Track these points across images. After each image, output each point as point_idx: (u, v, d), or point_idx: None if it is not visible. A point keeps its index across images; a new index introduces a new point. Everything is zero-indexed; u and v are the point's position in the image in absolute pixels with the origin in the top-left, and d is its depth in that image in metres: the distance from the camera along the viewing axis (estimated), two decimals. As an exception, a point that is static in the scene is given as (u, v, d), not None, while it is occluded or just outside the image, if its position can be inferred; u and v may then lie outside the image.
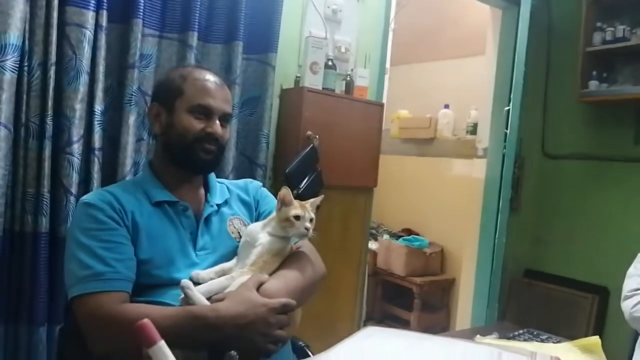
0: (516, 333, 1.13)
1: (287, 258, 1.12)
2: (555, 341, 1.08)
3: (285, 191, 1.09)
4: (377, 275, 3.56)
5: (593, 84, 2.50)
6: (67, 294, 1.02)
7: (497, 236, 2.76)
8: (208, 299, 0.97)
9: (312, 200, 1.12)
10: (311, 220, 1.08)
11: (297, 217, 1.06)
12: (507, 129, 2.72)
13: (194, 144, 1.12)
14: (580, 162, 2.73)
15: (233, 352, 0.47)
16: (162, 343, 0.45)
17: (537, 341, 1.07)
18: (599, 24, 2.50)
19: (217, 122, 1.14)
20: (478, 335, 0.97)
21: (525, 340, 1.08)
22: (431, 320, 3.34)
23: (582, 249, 2.68)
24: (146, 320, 0.45)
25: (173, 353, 0.66)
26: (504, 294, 2.84)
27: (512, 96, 2.69)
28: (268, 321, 0.93)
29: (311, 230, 1.08)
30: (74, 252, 1.02)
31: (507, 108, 2.70)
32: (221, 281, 1.03)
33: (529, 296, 2.80)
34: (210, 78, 1.16)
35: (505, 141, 2.75)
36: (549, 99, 2.84)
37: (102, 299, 0.97)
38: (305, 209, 1.08)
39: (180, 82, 1.14)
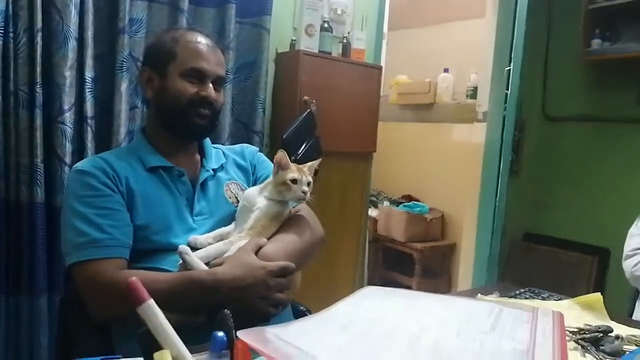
0: (517, 292, 1.12)
1: (285, 222, 1.10)
2: (556, 299, 1.07)
3: (281, 154, 1.07)
4: (377, 242, 3.57)
5: (596, 43, 2.44)
6: (65, 262, 1.02)
7: (497, 200, 2.75)
8: (207, 264, 0.96)
9: (309, 163, 1.10)
10: (308, 183, 1.06)
11: (294, 181, 1.04)
12: (507, 90, 2.67)
13: (188, 108, 1.09)
14: (581, 123, 2.70)
15: (226, 311, 0.46)
16: (152, 302, 0.44)
17: (538, 299, 1.06)
18: (602, -20, 2.42)
19: (211, 85, 1.11)
20: (479, 294, 0.96)
21: (526, 298, 1.07)
22: (432, 285, 3.36)
23: (583, 211, 2.68)
24: (134, 279, 0.44)
25: (173, 317, 0.65)
26: (503, 258, 2.85)
27: (512, 57, 2.63)
28: (267, 284, 0.92)
29: (309, 194, 1.06)
30: (69, 220, 1.01)
31: (508, 69, 2.65)
32: (219, 246, 1.02)
33: (529, 259, 2.82)
34: (203, 40, 1.12)
35: (505, 104, 2.70)
36: (550, 60, 2.78)
37: (100, 266, 0.96)
38: (302, 173, 1.06)
39: (172, 45, 1.10)
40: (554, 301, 1.05)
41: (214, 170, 1.18)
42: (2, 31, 1.37)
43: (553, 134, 2.82)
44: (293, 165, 1.07)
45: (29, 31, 1.42)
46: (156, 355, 0.41)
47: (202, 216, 1.12)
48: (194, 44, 1.11)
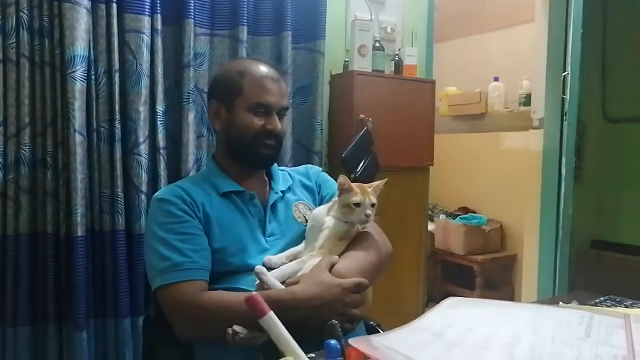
0: (597, 300, 1.10)
1: (354, 239, 1.13)
2: (640, 306, 1.04)
3: (342, 179, 1.10)
4: (435, 256, 3.52)
5: (656, 40, 2.36)
6: (150, 286, 1.08)
7: (562, 207, 2.66)
8: (282, 282, 1.00)
9: (375, 183, 1.12)
10: (372, 205, 1.08)
11: (357, 204, 1.07)
12: (564, 95, 2.61)
13: (255, 140, 1.15)
14: (645, 123, 2.59)
15: (334, 321, 0.49)
16: (272, 314, 0.48)
17: (621, 307, 1.04)
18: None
19: (276, 117, 1.16)
20: (560, 303, 0.95)
21: (608, 306, 1.05)
22: (495, 297, 3.26)
23: (653, 215, 2.56)
24: (255, 294, 0.48)
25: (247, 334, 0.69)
26: (571, 267, 2.75)
27: (570, 60, 2.57)
28: (343, 301, 0.95)
29: (372, 216, 1.08)
30: (152, 246, 1.07)
31: (565, 74, 2.59)
32: (292, 265, 1.06)
33: (599, 268, 2.70)
34: (268, 73, 1.17)
35: (562, 109, 2.64)
36: (607, 61, 2.70)
37: (183, 288, 1.01)
38: (366, 195, 1.08)
39: (238, 79, 1.16)
40: (639, 309, 1.02)
41: (282, 192, 1.23)
42: (85, 75, 1.49)
43: (616, 136, 2.71)
44: (357, 187, 1.09)
45: (108, 72, 1.55)
46: (281, 362, 0.45)
47: (274, 237, 1.16)
48: (259, 79, 1.16)
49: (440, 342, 0.61)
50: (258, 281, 0.99)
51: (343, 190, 1.09)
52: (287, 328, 0.90)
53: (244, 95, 1.15)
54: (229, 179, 1.19)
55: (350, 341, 0.51)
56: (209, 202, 1.14)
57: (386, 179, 1.15)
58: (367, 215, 1.07)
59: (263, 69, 1.18)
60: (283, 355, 0.46)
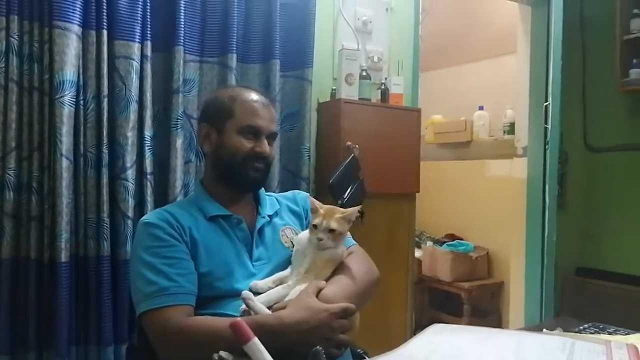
0: (581, 327, 1.11)
1: (341, 264, 1.14)
2: (623, 333, 1.06)
3: (311, 200, 1.12)
4: (423, 283, 3.52)
5: (634, 72, 2.44)
6: (134, 312, 1.07)
7: (546, 235, 2.70)
8: (269, 308, 1.00)
9: (349, 210, 1.10)
10: (330, 230, 1.06)
11: (315, 226, 1.07)
12: (546, 124, 2.67)
13: (244, 162, 1.17)
14: (625, 153, 2.66)
15: (319, 348, 0.50)
16: (256, 340, 0.48)
17: (604, 334, 1.05)
18: (635, 11, 2.45)
19: (265, 141, 1.19)
20: (544, 329, 0.96)
21: (591, 333, 1.06)
22: (482, 324, 3.27)
23: (636, 242, 2.59)
24: (239, 320, 0.49)
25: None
26: (557, 294, 2.77)
27: (551, 90, 2.65)
28: (330, 326, 0.95)
29: (327, 241, 1.06)
30: (138, 270, 1.07)
31: (546, 104, 2.66)
32: (278, 290, 1.06)
33: (584, 295, 2.72)
34: (258, 99, 1.21)
35: (545, 138, 2.70)
36: (587, 92, 2.78)
37: (169, 313, 1.01)
38: (327, 218, 1.07)
39: (230, 103, 1.19)
40: (621, 335, 1.04)
41: (269, 216, 1.24)
42: (73, 100, 1.49)
43: (597, 164, 2.78)
44: (323, 210, 1.09)
45: (96, 98, 1.55)
46: (265, 388, 0.45)
47: (261, 261, 1.16)
48: (250, 103, 1.19)
49: (424, 369, 0.61)
50: (244, 306, 0.99)
51: (312, 211, 1.11)
52: (272, 354, 0.90)
53: (234, 118, 1.17)
54: (217, 203, 1.20)
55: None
56: (195, 226, 1.14)
57: (359, 207, 1.14)
58: (319, 239, 1.06)
59: (254, 95, 1.22)
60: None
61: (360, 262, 1.18)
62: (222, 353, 0.83)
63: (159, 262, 1.06)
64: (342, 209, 1.12)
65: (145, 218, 1.16)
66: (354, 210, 1.10)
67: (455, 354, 0.65)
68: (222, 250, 1.13)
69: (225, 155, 1.18)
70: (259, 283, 1.09)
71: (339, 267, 1.12)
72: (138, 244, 1.12)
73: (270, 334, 0.93)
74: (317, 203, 1.11)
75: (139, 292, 1.05)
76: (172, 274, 1.04)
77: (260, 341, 0.93)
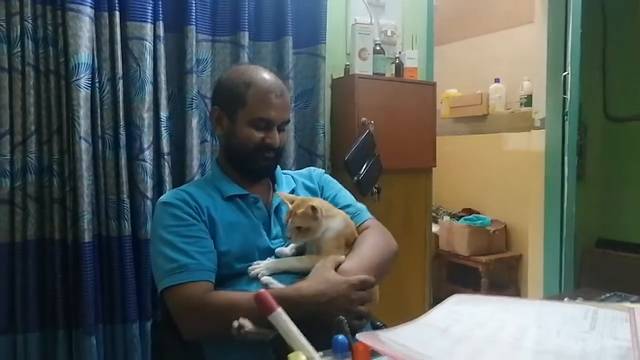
0: (602, 297, 1.10)
1: (359, 238, 1.14)
2: (646, 302, 1.05)
3: (280, 196, 1.14)
4: (440, 258, 3.53)
5: (656, 38, 2.37)
6: (157, 288, 1.09)
7: (565, 207, 2.66)
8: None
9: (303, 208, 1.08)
10: (297, 227, 1.06)
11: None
12: (565, 95, 2.61)
13: (254, 153, 1.16)
14: (647, 122, 2.60)
15: (342, 317, 0.51)
16: (280, 310, 0.49)
17: (627, 303, 1.04)
18: (657, -26, 2.36)
19: (276, 132, 1.17)
20: (566, 299, 0.96)
21: (614, 302, 1.05)
22: (500, 298, 3.27)
23: (657, 213, 2.56)
24: (263, 291, 0.49)
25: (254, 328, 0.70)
26: (576, 266, 2.75)
27: (570, 60, 2.58)
28: (349, 297, 0.97)
29: (295, 238, 1.07)
30: (159, 248, 1.08)
31: (565, 73, 2.60)
32: (290, 261, 1.08)
33: (604, 266, 2.70)
34: (273, 87, 1.16)
35: (564, 108, 2.65)
36: (607, 60, 2.71)
37: (189, 289, 1.02)
38: (293, 216, 1.06)
39: (243, 90, 1.15)
40: (644, 303, 1.03)
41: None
42: (89, 82, 1.51)
43: (617, 134, 2.72)
44: (291, 206, 1.07)
45: (111, 80, 1.56)
46: (291, 356, 0.46)
47: (279, 239, 1.17)
48: (264, 93, 1.14)
49: (446, 337, 0.62)
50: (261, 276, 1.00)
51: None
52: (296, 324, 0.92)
53: (246, 108, 1.14)
54: (233, 182, 1.20)
55: (358, 336, 0.52)
56: (213, 206, 1.15)
57: (310, 203, 1.08)
58: (289, 237, 1.07)
59: (269, 80, 1.17)
60: (292, 350, 0.47)
61: (377, 236, 1.19)
62: (242, 320, 0.85)
63: (179, 240, 1.07)
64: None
65: (163, 198, 1.17)
66: (306, 207, 1.06)
67: (477, 322, 0.66)
68: (241, 229, 1.14)
69: (236, 144, 1.17)
70: (284, 250, 1.12)
71: (359, 242, 1.13)
72: (157, 223, 1.13)
73: (288, 306, 0.94)
74: (287, 198, 1.11)
75: (160, 269, 1.07)
76: (192, 252, 1.05)
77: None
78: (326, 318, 0.93)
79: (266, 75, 1.18)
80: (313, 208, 1.03)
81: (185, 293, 1.02)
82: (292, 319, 0.94)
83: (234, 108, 1.16)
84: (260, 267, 1.06)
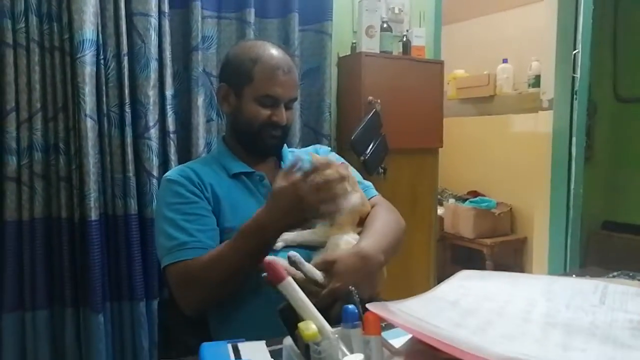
0: (610, 275, 1.10)
1: (370, 215, 1.13)
2: (655, 280, 1.04)
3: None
4: (445, 240, 3.53)
5: (669, 17, 2.32)
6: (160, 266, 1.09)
7: (572, 188, 2.65)
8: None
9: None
10: None
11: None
12: (575, 74, 2.58)
13: (261, 131, 1.15)
14: (657, 103, 2.57)
15: (352, 288, 0.50)
16: (290, 279, 0.49)
17: (636, 280, 1.04)
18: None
19: (283, 109, 1.15)
20: (574, 276, 0.96)
21: (623, 279, 1.05)
22: (505, 280, 3.28)
23: (666, 195, 2.54)
24: (272, 258, 0.49)
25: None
26: (582, 248, 2.74)
27: (580, 38, 2.54)
28: (302, 190, 0.91)
29: None
30: (161, 226, 1.09)
31: (575, 52, 2.56)
32: (304, 234, 1.07)
33: (610, 248, 2.69)
34: (280, 64, 1.14)
35: (572, 88, 2.61)
36: (618, 39, 2.66)
37: (186, 266, 1.02)
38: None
39: (250, 66, 1.13)
40: (654, 281, 1.02)
41: None
42: (94, 59, 1.49)
43: (627, 115, 2.69)
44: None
45: (117, 56, 1.55)
46: (301, 325, 0.46)
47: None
48: (271, 70, 1.12)
49: (456, 310, 0.61)
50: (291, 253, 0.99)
51: None
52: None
53: (253, 85, 1.13)
54: (239, 160, 1.19)
55: (368, 306, 0.51)
56: (218, 183, 1.14)
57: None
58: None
59: (277, 56, 1.15)
60: (302, 320, 0.47)
61: (389, 213, 1.18)
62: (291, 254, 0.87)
63: (180, 218, 1.07)
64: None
65: (167, 175, 1.17)
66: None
67: (486, 296, 0.65)
68: (246, 206, 1.13)
69: (243, 121, 1.16)
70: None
71: (370, 219, 1.12)
72: (160, 200, 1.14)
73: (253, 234, 0.96)
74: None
75: (162, 247, 1.07)
76: (192, 230, 1.05)
77: (255, 240, 0.94)
78: (296, 221, 0.95)
79: (274, 52, 1.16)
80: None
81: (182, 270, 1.03)
82: (266, 242, 0.94)
83: (241, 85, 1.14)
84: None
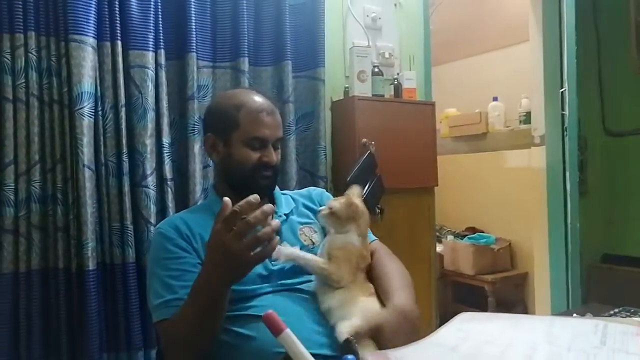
0: (611, 312, 1.09)
1: (383, 267, 1.13)
2: (655, 316, 1.04)
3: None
4: (445, 277, 3.50)
5: (650, 54, 2.40)
6: None
7: (569, 223, 2.66)
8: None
9: None
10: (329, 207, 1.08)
11: None
12: (564, 111, 2.64)
13: (252, 173, 1.17)
14: (645, 136, 2.61)
15: (351, 337, 0.50)
16: (289, 331, 0.49)
17: (636, 317, 1.03)
18: (648, -8, 2.41)
19: (272, 149, 1.18)
20: (575, 314, 0.95)
21: (623, 317, 1.04)
22: (508, 317, 3.23)
23: (662, 226, 2.55)
24: (271, 312, 0.49)
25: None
26: (583, 282, 2.72)
27: (566, 76, 2.61)
28: (225, 245, 0.85)
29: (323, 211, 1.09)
30: (149, 282, 1.11)
31: (562, 90, 2.63)
32: (308, 258, 1.05)
33: (611, 282, 2.67)
34: (263, 106, 1.18)
35: (563, 124, 2.67)
36: (603, 76, 2.74)
37: (167, 325, 1.02)
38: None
39: (234, 113, 1.16)
40: (654, 318, 1.02)
41: (285, 215, 1.23)
42: (92, 111, 1.52)
43: (617, 149, 2.73)
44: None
45: (114, 108, 1.58)
46: (301, 378, 0.45)
47: (279, 261, 1.16)
48: (255, 113, 1.16)
49: (455, 356, 0.61)
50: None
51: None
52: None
53: (240, 130, 1.16)
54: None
55: (368, 355, 0.51)
56: (208, 232, 1.12)
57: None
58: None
59: (259, 100, 1.19)
60: (301, 372, 0.47)
61: (398, 263, 1.18)
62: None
63: (165, 274, 1.07)
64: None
65: (159, 226, 1.18)
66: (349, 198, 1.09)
67: (487, 340, 0.65)
68: None
69: (234, 167, 1.18)
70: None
71: (382, 270, 1.11)
72: (150, 254, 1.16)
73: (201, 291, 0.93)
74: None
75: (150, 303, 1.09)
76: (177, 287, 1.05)
77: (201, 297, 0.91)
78: (234, 272, 0.88)
79: (254, 96, 1.20)
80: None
81: (164, 329, 1.03)
82: (217, 296, 0.90)
83: (228, 132, 1.17)
84: (281, 255, 1.03)
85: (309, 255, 1.05)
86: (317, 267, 1.03)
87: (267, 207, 0.85)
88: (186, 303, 0.98)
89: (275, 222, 0.86)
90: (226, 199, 0.87)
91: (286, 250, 1.01)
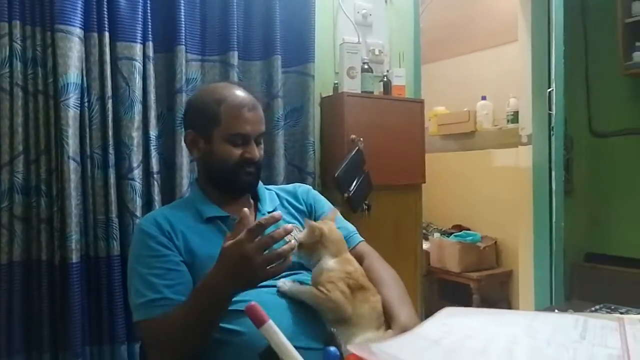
0: (592, 309, 1.11)
1: (379, 277, 1.12)
2: (636, 313, 1.05)
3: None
4: (431, 275, 3.53)
5: (637, 55, 2.43)
6: None
7: (554, 222, 2.69)
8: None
9: None
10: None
11: None
12: (551, 111, 2.67)
13: (235, 169, 1.15)
14: (630, 137, 2.64)
15: (333, 329, 0.50)
16: (271, 322, 0.49)
17: (616, 314, 1.05)
18: (636, -6, 2.43)
19: (254, 145, 1.16)
20: (556, 311, 0.96)
21: (604, 314, 1.06)
22: (493, 315, 3.27)
23: (644, 226, 2.58)
24: (253, 303, 0.49)
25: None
26: (566, 280, 2.76)
27: (554, 77, 2.64)
28: (246, 255, 0.87)
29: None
30: (131, 280, 1.09)
31: (549, 90, 2.65)
32: (308, 292, 1.01)
33: (594, 280, 2.71)
34: (245, 101, 1.15)
35: (550, 124, 2.69)
36: (591, 77, 2.77)
37: (152, 324, 1.01)
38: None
39: (215, 108, 1.14)
40: (634, 315, 1.03)
41: (269, 212, 1.19)
42: (78, 102, 1.50)
43: (603, 149, 2.77)
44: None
45: (101, 99, 1.56)
46: (282, 369, 0.45)
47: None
48: (237, 108, 1.14)
49: (438, 349, 0.61)
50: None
51: None
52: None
53: (221, 126, 1.13)
54: (213, 204, 1.18)
55: (349, 347, 0.51)
56: (190, 229, 1.12)
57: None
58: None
59: (240, 95, 1.16)
60: (283, 363, 0.47)
61: (388, 269, 1.19)
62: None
63: (148, 272, 1.05)
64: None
65: (141, 222, 1.16)
66: (310, 227, 1.05)
67: (469, 334, 0.65)
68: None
69: (216, 163, 1.16)
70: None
71: (379, 281, 1.10)
72: (132, 250, 1.13)
73: (204, 295, 0.93)
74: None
75: (131, 301, 1.07)
76: (160, 286, 1.03)
77: (204, 304, 0.92)
78: (243, 282, 0.90)
79: (236, 91, 1.18)
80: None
81: (147, 328, 1.03)
82: (219, 305, 0.91)
83: (209, 128, 1.15)
84: (286, 288, 1.03)
85: (315, 291, 1.00)
86: (325, 300, 0.96)
87: (289, 225, 0.89)
88: (184, 305, 0.97)
89: (294, 243, 0.91)
90: (245, 210, 0.91)
91: (293, 287, 1.00)
